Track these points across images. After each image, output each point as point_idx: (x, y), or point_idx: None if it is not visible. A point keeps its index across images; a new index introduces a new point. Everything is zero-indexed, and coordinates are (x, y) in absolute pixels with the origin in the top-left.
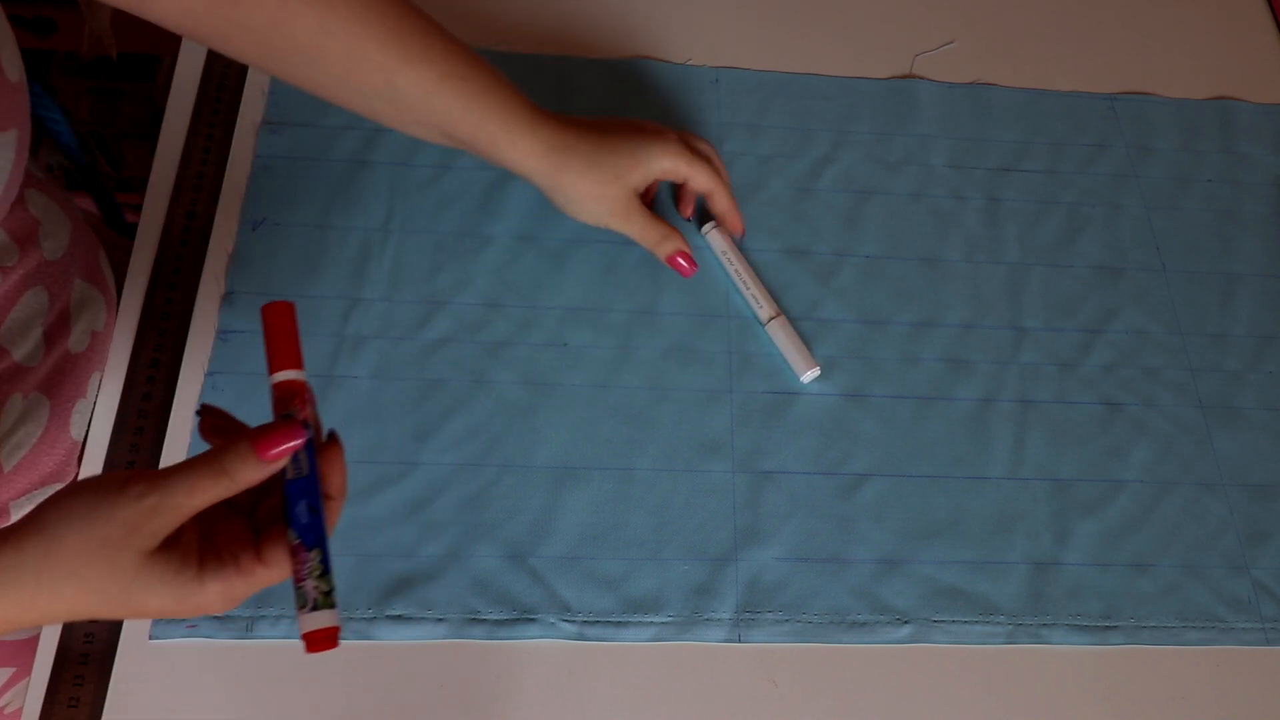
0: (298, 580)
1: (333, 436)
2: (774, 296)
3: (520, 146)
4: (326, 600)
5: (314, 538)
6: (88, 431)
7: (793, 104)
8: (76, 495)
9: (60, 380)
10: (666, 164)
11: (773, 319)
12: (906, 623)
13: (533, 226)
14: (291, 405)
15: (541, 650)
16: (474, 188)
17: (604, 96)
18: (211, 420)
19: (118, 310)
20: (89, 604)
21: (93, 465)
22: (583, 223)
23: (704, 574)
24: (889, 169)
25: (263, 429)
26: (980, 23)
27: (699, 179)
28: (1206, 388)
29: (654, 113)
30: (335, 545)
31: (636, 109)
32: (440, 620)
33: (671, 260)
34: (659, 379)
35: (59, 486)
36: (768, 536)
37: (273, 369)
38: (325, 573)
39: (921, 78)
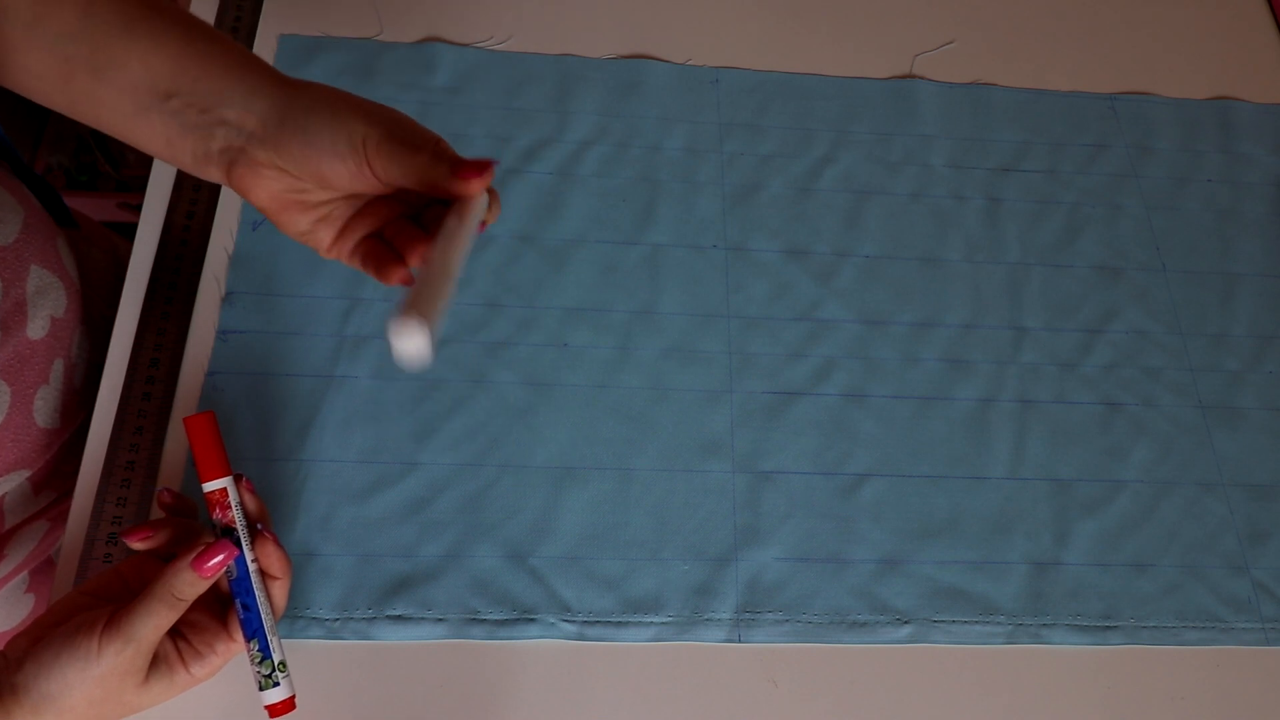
0: (250, 666)
1: (262, 530)
2: (770, 297)
3: (253, 78)
4: (269, 680)
5: (250, 630)
6: (88, 431)
7: (793, 104)
8: (66, 662)
9: (20, 367)
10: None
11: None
12: (906, 623)
13: (533, 226)
14: (217, 512)
15: (541, 650)
16: None
17: (604, 96)
18: (169, 500)
19: (81, 297)
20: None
21: (93, 465)
22: (325, 170)
23: (704, 574)
24: (889, 169)
25: (199, 551)
26: (980, 23)
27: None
28: (1206, 388)
29: (654, 113)
30: (335, 546)
31: (636, 109)
32: (440, 620)
33: (462, 169)
34: (659, 379)
35: (26, 473)
36: (767, 536)
37: (201, 479)
38: (265, 658)
39: (921, 78)
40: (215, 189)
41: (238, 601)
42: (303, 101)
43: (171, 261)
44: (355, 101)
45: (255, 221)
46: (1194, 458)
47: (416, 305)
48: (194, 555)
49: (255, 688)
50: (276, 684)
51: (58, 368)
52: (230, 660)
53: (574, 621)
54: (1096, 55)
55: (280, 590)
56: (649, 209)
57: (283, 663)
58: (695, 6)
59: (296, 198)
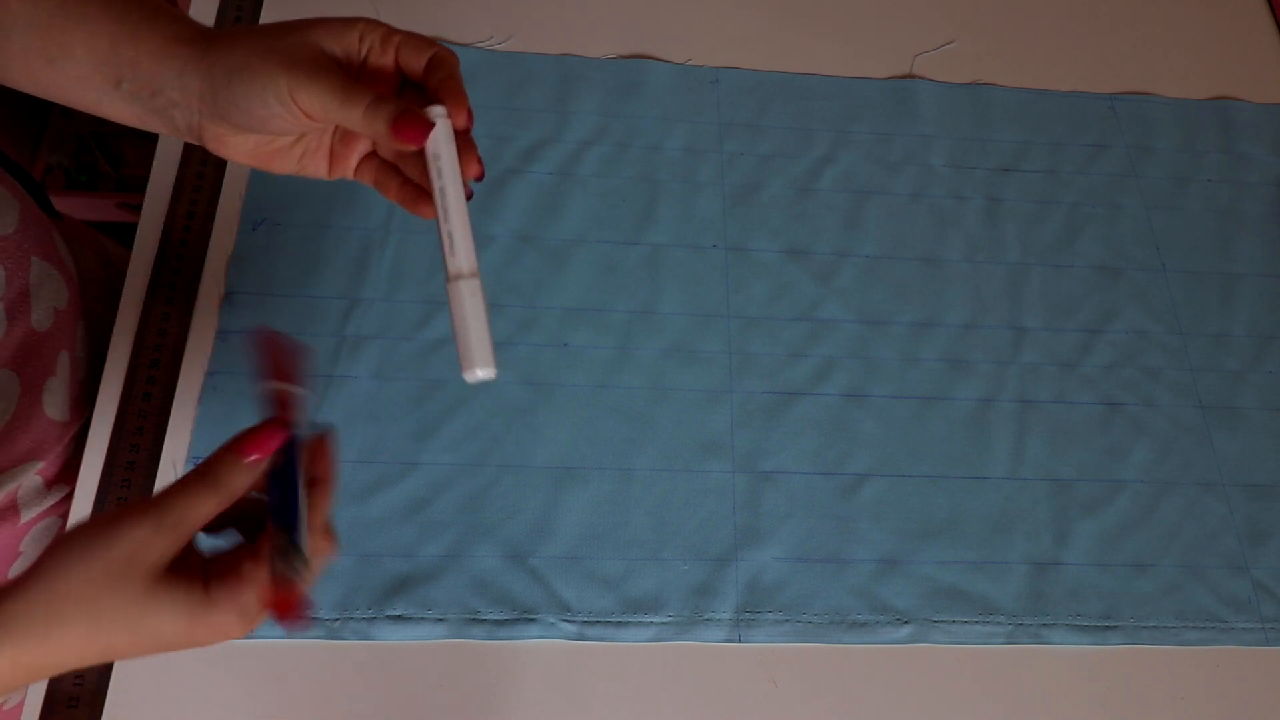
0: (269, 561)
1: (325, 431)
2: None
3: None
4: (290, 575)
5: (283, 519)
6: (88, 429)
7: (793, 104)
8: (72, 537)
9: (28, 358)
10: (351, 23)
11: (461, 279)
12: (906, 623)
13: (533, 226)
14: (278, 410)
15: (541, 650)
16: (474, 187)
17: (604, 96)
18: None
19: (80, 290)
20: (101, 642)
21: (93, 465)
22: (272, 127)
23: (704, 574)
24: (889, 169)
25: (244, 434)
26: (980, 23)
27: (409, 41)
28: (1206, 388)
29: (654, 113)
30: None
31: (637, 109)
32: (440, 620)
33: (398, 129)
34: (659, 379)
35: (39, 465)
36: (767, 536)
37: (266, 380)
38: (293, 550)
39: (921, 78)
40: (215, 189)
41: (275, 490)
42: (222, 70)
43: (172, 261)
44: (269, 49)
45: (255, 221)
46: (1194, 458)
47: (475, 353)
48: (238, 439)
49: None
50: (295, 579)
51: (64, 360)
52: (256, 611)
53: (574, 621)
54: (1096, 55)
55: (323, 496)
56: (649, 209)
57: (308, 562)
58: (695, 6)
59: (269, 148)
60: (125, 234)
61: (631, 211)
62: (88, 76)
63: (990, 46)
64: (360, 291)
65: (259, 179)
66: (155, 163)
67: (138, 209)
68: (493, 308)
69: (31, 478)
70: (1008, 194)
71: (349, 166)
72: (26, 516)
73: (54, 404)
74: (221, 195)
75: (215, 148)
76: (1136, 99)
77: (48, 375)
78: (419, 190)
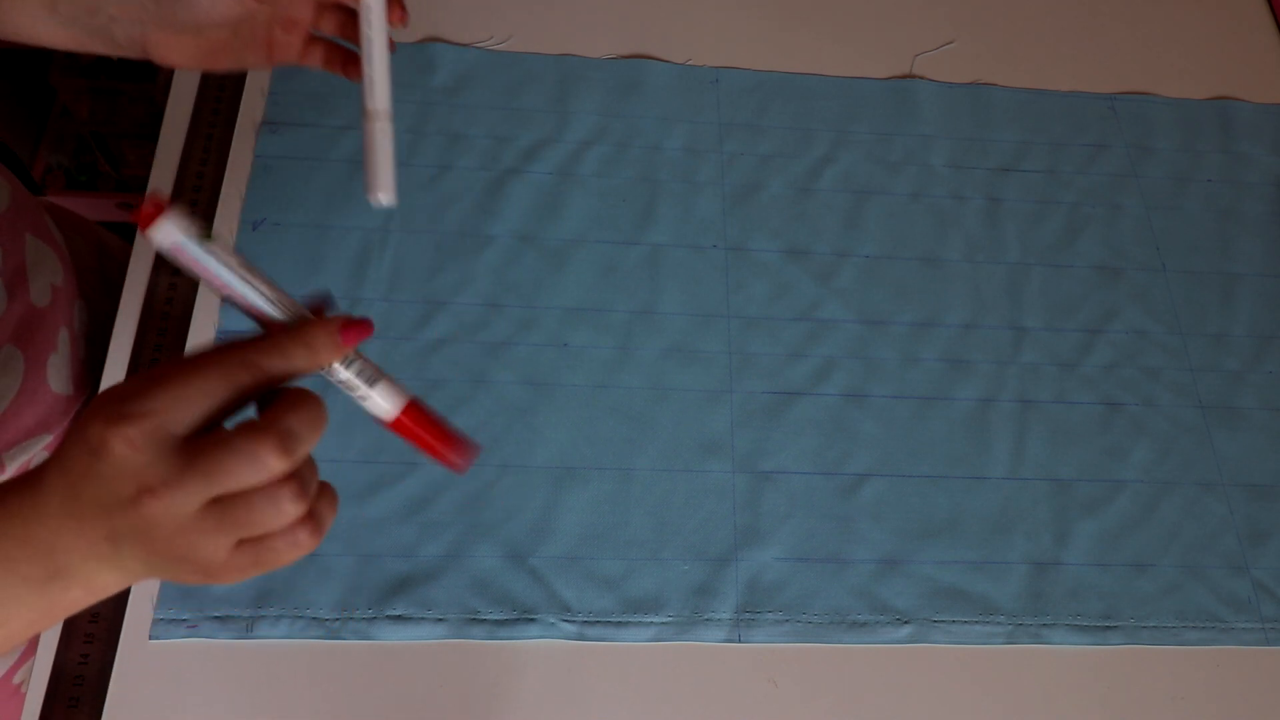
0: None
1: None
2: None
3: None
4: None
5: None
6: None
7: (793, 104)
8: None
9: (30, 333)
10: None
11: (376, 118)
12: (906, 623)
13: (533, 226)
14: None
15: (541, 650)
16: (474, 188)
17: (604, 96)
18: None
19: (74, 269)
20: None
21: None
22: (216, 15)
23: (704, 574)
24: (889, 169)
25: (348, 318)
26: (980, 23)
27: None
28: (1206, 388)
29: (654, 113)
30: (335, 546)
31: (636, 109)
32: (440, 620)
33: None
34: (659, 379)
35: (48, 438)
36: (767, 536)
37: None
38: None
39: (921, 78)
40: (215, 189)
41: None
42: None
43: (172, 261)
44: None
45: (255, 221)
46: (1194, 458)
47: (380, 179)
48: (343, 320)
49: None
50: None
51: (64, 336)
52: (296, 428)
53: (574, 621)
54: (1096, 55)
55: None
56: (649, 209)
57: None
58: (695, 6)
59: (210, 44)
60: (125, 234)
61: (631, 211)
62: (23, 3)
63: (990, 46)
64: (360, 291)
65: (259, 179)
66: (155, 163)
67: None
68: (493, 307)
69: (40, 452)
70: (1008, 194)
71: (293, 51)
72: None
73: (58, 379)
74: (221, 195)
75: (159, 55)
76: (1136, 99)
77: (50, 350)
78: (350, 55)
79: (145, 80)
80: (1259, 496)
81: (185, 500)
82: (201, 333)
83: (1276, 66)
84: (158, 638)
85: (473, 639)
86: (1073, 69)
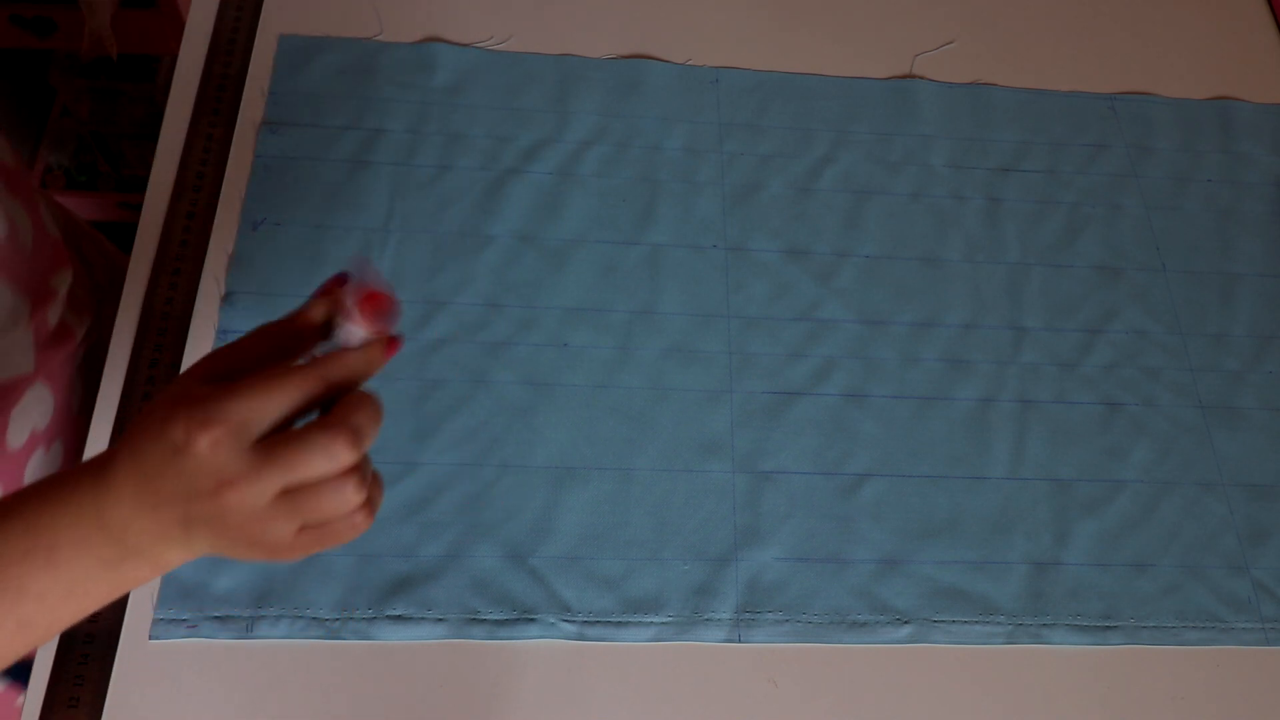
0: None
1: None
2: (771, 296)
3: None
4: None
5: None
6: (88, 433)
7: (793, 104)
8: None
9: (29, 275)
10: None
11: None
12: (906, 623)
13: (533, 226)
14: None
15: (541, 650)
16: (474, 188)
17: (604, 96)
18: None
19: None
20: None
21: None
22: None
23: (704, 574)
24: (889, 169)
25: (396, 339)
26: (980, 23)
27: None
28: (1206, 388)
29: (654, 113)
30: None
31: (636, 109)
32: (440, 620)
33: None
34: (659, 379)
35: (48, 390)
36: (767, 536)
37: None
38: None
39: (921, 78)
40: (215, 189)
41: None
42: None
43: (172, 262)
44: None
45: (255, 221)
46: (1194, 458)
47: None
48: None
49: None
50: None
51: (63, 275)
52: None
53: (574, 621)
54: (1096, 55)
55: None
56: (649, 209)
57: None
58: (695, 6)
59: None
60: (125, 234)
61: (631, 211)
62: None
63: (990, 46)
64: None
65: (259, 179)
66: (155, 163)
67: (138, 209)
68: (493, 307)
69: (42, 399)
70: (1008, 194)
71: None
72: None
73: (56, 314)
74: (221, 195)
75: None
76: (1136, 99)
77: (50, 298)
78: None
79: (145, 80)
80: (1259, 496)
81: (262, 491)
82: (201, 333)
83: (1276, 66)
84: (158, 638)
85: (473, 639)
86: (1073, 69)
